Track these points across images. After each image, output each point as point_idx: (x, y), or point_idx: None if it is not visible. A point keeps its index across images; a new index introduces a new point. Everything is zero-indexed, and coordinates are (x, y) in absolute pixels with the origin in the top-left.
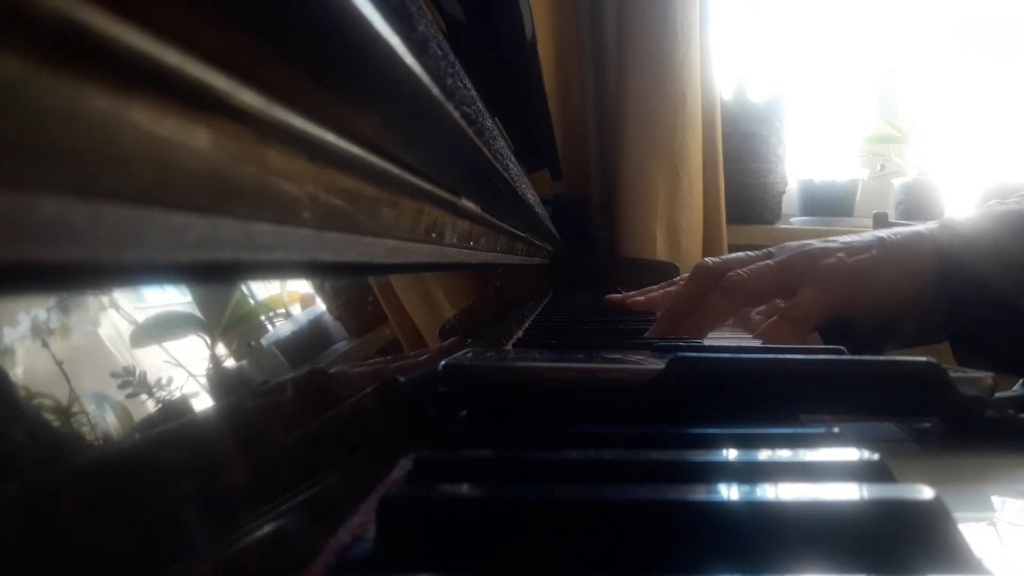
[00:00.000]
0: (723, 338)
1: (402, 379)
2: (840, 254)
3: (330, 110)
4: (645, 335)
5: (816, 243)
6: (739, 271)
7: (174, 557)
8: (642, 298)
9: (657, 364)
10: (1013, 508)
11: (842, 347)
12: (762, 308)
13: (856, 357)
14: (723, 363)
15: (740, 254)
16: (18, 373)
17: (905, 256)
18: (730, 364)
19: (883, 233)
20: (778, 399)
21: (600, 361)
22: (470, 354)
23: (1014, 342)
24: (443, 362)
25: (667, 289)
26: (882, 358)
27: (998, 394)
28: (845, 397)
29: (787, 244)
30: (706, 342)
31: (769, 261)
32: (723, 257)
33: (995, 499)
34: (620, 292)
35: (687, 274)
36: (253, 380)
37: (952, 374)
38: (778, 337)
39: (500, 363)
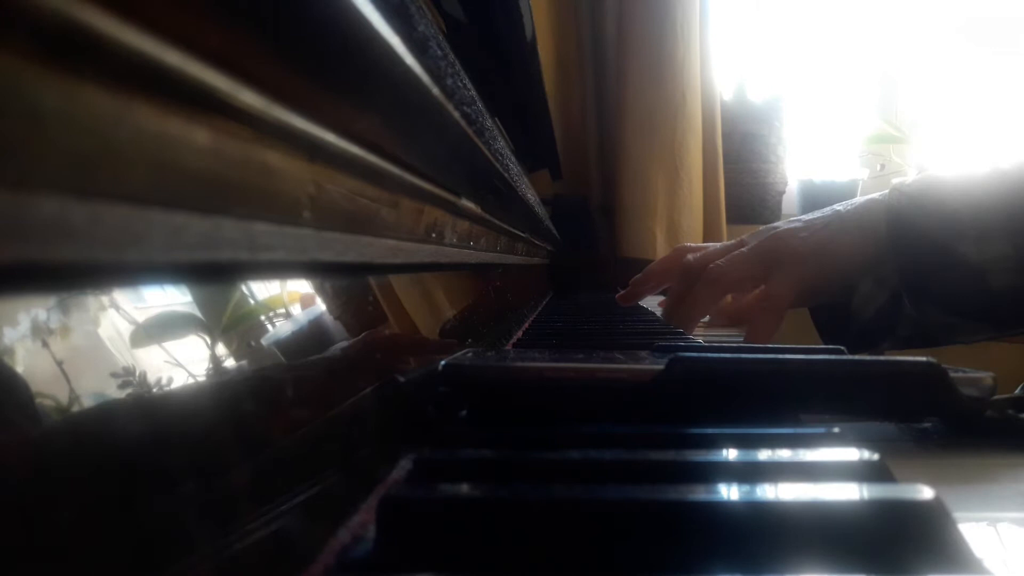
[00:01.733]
0: (722, 337)
1: (402, 379)
2: (803, 233)
3: (330, 110)
4: (620, 297)
5: (782, 225)
6: (718, 262)
7: (174, 557)
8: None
9: (657, 364)
10: (1013, 508)
11: (842, 347)
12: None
13: (856, 357)
14: (723, 363)
15: (716, 245)
16: (18, 373)
17: (860, 222)
18: (730, 364)
19: (839, 206)
20: (778, 399)
21: (600, 361)
22: (470, 354)
23: (959, 286)
24: (443, 362)
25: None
26: (882, 358)
27: (1000, 396)
28: (845, 397)
29: (759, 229)
30: (705, 342)
31: (743, 249)
32: (702, 251)
33: (995, 499)
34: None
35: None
36: (253, 380)
37: (952, 374)
38: (762, 328)
39: (500, 363)
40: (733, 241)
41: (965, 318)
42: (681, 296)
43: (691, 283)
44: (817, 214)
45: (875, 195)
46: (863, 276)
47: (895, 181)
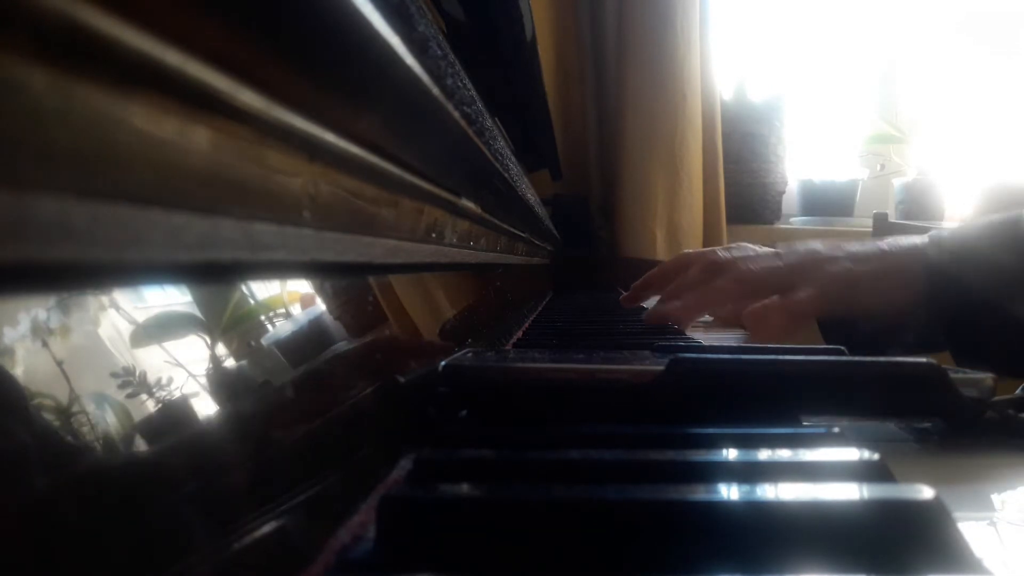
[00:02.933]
0: (722, 338)
1: (402, 379)
2: (844, 263)
3: (330, 110)
4: (623, 299)
5: (822, 249)
6: (750, 265)
7: (175, 557)
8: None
9: (657, 365)
10: (1013, 508)
11: (842, 347)
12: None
13: (857, 358)
14: (723, 364)
15: (747, 249)
16: (18, 373)
17: (901, 269)
18: (730, 365)
19: (885, 245)
20: (779, 400)
21: (600, 361)
22: (470, 354)
23: (1007, 345)
24: (443, 362)
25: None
26: (882, 359)
27: (997, 396)
28: (846, 398)
29: (794, 245)
30: (705, 343)
31: (779, 262)
32: (732, 253)
33: (995, 499)
34: (624, 293)
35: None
36: (253, 380)
37: (952, 375)
38: (768, 320)
39: (500, 363)
40: (764, 248)
41: (1012, 375)
42: (694, 284)
43: (712, 275)
44: (860, 247)
45: (916, 241)
46: (899, 323)
47: (933, 233)
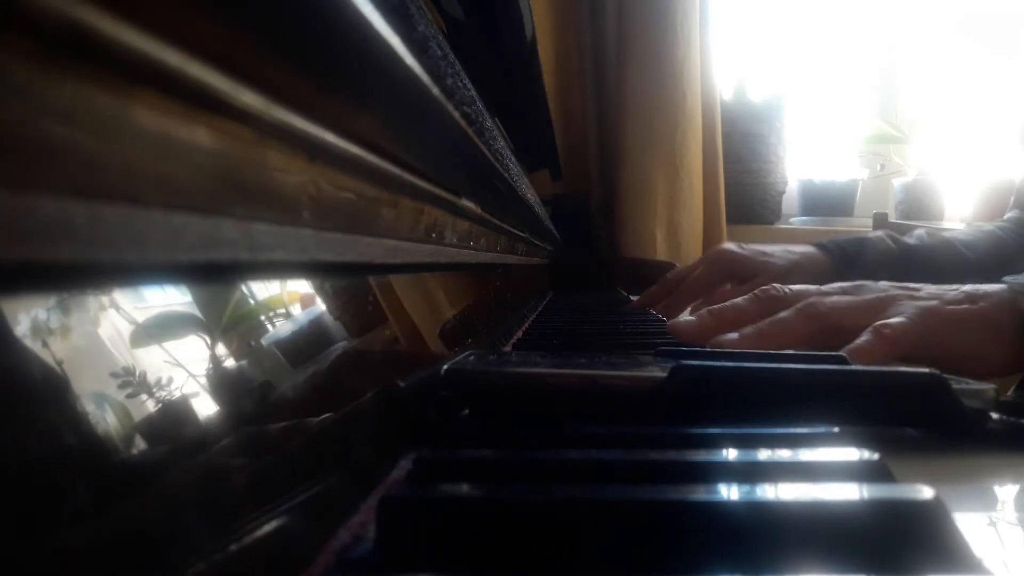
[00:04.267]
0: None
1: (403, 383)
2: (933, 302)
3: (330, 110)
4: (671, 325)
5: (898, 289)
6: (823, 300)
7: (174, 557)
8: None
9: (660, 371)
10: (1013, 508)
11: (844, 355)
12: (698, 302)
13: (859, 368)
14: (727, 371)
15: (809, 286)
16: (18, 373)
17: (999, 319)
18: (733, 372)
19: (968, 289)
20: (781, 408)
21: (603, 367)
22: (472, 357)
23: None
24: (445, 366)
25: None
26: (885, 369)
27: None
28: (848, 407)
29: (864, 283)
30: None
31: (854, 297)
32: (790, 287)
33: (995, 499)
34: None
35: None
36: (253, 380)
37: (955, 385)
38: (869, 353)
39: (501, 367)
40: (831, 286)
41: None
42: (750, 313)
43: (772, 306)
44: (942, 289)
45: (1003, 291)
46: (979, 374)
47: (1009, 280)
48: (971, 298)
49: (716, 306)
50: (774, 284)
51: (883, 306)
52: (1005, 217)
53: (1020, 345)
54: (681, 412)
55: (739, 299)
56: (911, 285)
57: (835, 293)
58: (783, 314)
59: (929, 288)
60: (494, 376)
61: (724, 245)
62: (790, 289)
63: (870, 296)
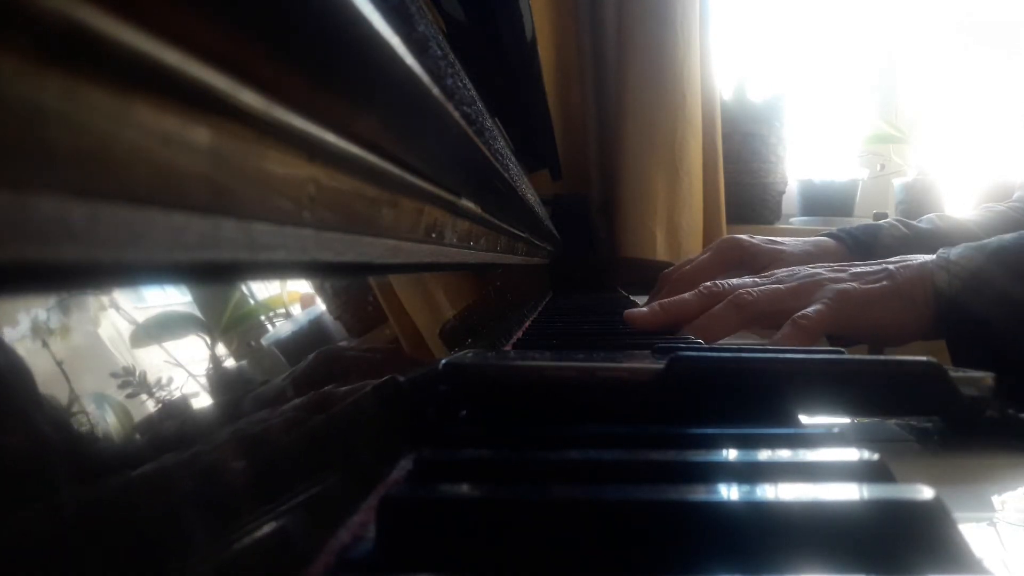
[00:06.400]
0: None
1: (402, 378)
2: (852, 282)
3: (330, 110)
4: (626, 314)
5: (825, 271)
6: (750, 290)
7: (174, 557)
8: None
9: (657, 364)
10: (1013, 508)
11: (842, 348)
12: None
13: (856, 356)
14: (723, 362)
15: (746, 278)
16: (18, 373)
17: (912, 292)
18: (730, 363)
19: (891, 265)
20: (779, 398)
21: (600, 360)
22: (470, 354)
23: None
24: (443, 360)
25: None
26: (882, 357)
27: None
28: (845, 396)
29: (796, 268)
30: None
31: (779, 284)
32: (729, 281)
33: (995, 499)
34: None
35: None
36: (253, 380)
37: (952, 373)
38: (789, 344)
39: (500, 361)
40: (765, 274)
41: None
42: (693, 310)
43: (708, 301)
44: (866, 267)
45: (926, 261)
46: (899, 342)
47: (941, 254)
48: (890, 275)
49: (666, 300)
50: (716, 281)
51: (806, 291)
52: (1015, 197)
53: (930, 312)
54: (679, 403)
55: (686, 294)
56: (843, 265)
57: (770, 282)
58: (716, 308)
59: (857, 268)
60: (493, 369)
61: (733, 235)
62: (729, 283)
63: (794, 283)
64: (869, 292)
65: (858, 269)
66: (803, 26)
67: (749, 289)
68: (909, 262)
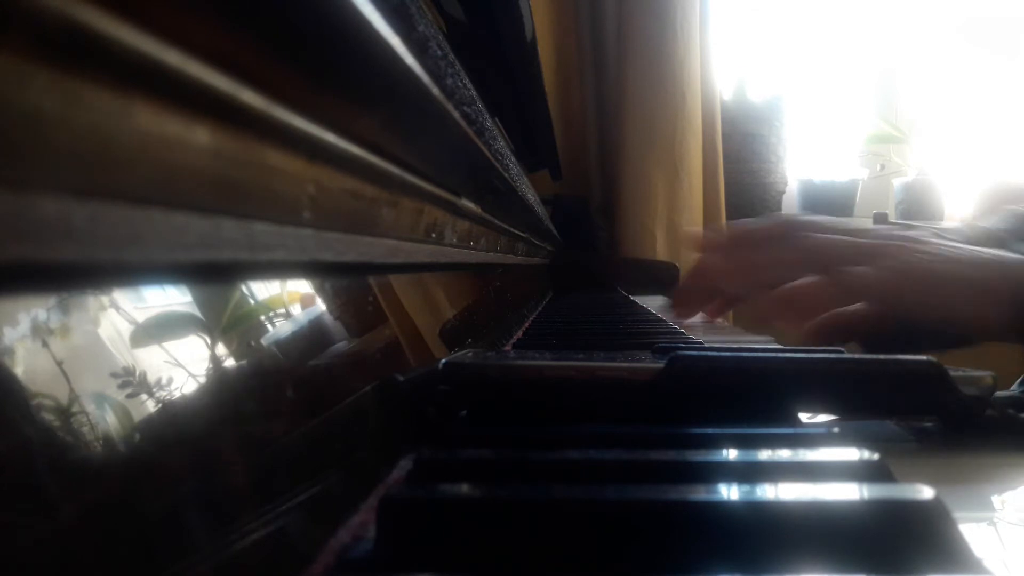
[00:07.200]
0: (723, 340)
1: (402, 378)
2: (930, 256)
3: (330, 110)
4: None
5: (916, 235)
6: (823, 236)
7: (174, 557)
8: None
9: (657, 364)
10: (1013, 508)
11: (841, 348)
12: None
13: (856, 355)
14: (723, 360)
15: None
16: (18, 373)
17: (998, 287)
18: (730, 362)
19: (988, 253)
20: (779, 397)
21: (600, 360)
22: (470, 354)
23: None
24: (443, 360)
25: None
26: (882, 356)
27: (998, 393)
28: (845, 395)
29: (890, 227)
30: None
31: (860, 239)
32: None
33: (995, 499)
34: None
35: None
36: (253, 380)
37: (952, 373)
38: (806, 292)
39: (500, 361)
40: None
41: None
42: (747, 246)
43: (773, 241)
44: (961, 249)
45: (1006, 255)
46: (959, 331)
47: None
48: (986, 263)
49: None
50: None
51: (883, 253)
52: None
53: (1014, 312)
54: (679, 402)
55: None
56: (937, 235)
57: (848, 231)
58: (776, 249)
59: (947, 242)
60: (492, 369)
61: (826, 237)
62: (808, 220)
63: (876, 240)
64: (942, 272)
65: (950, 244)
66: (803, 26)
67: (822, 236)
68: (1007, 255)
